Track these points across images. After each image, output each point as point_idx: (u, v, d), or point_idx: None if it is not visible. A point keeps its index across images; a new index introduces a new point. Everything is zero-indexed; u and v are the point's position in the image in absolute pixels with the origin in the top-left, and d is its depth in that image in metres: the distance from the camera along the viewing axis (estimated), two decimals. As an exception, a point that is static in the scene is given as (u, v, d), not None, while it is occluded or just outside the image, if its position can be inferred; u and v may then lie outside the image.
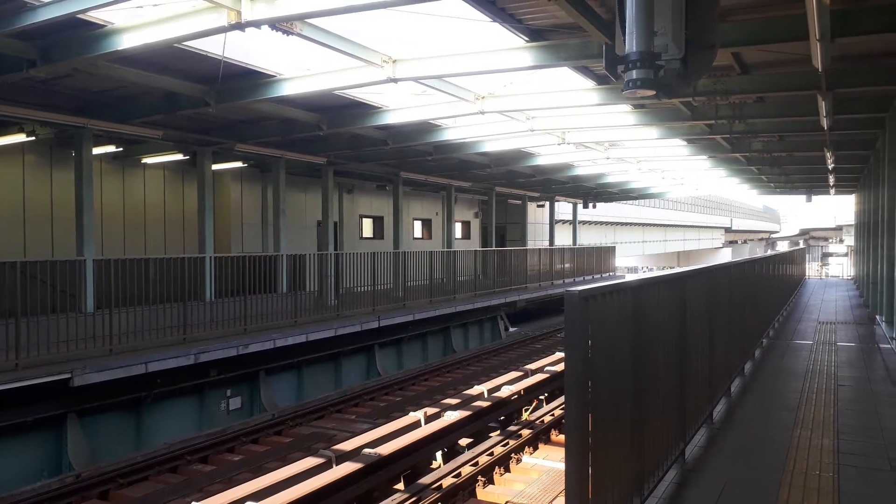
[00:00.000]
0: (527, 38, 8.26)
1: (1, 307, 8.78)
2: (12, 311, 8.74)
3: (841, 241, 61.52)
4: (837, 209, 55.20)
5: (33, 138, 12.20)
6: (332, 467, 7.35)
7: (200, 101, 10.49)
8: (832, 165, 17.65)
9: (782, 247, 65.83)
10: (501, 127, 13.51)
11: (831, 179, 22.19)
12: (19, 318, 8.74)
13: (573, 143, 15.27)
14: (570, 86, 10.72)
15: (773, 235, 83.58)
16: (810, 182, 24.51)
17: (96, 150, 12.67)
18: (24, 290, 8.87)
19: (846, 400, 7.12)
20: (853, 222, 30.61)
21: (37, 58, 8.34)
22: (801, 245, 53.64)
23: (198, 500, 6.49)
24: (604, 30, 6.45)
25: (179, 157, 15.05)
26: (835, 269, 48.39)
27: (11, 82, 9.19)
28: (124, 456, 8.85)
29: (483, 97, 11.04)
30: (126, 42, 7.64)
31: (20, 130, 11.79)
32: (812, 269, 36.78)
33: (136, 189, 16.19)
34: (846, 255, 51.03)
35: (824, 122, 11.09)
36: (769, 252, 42.41)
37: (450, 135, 14.25)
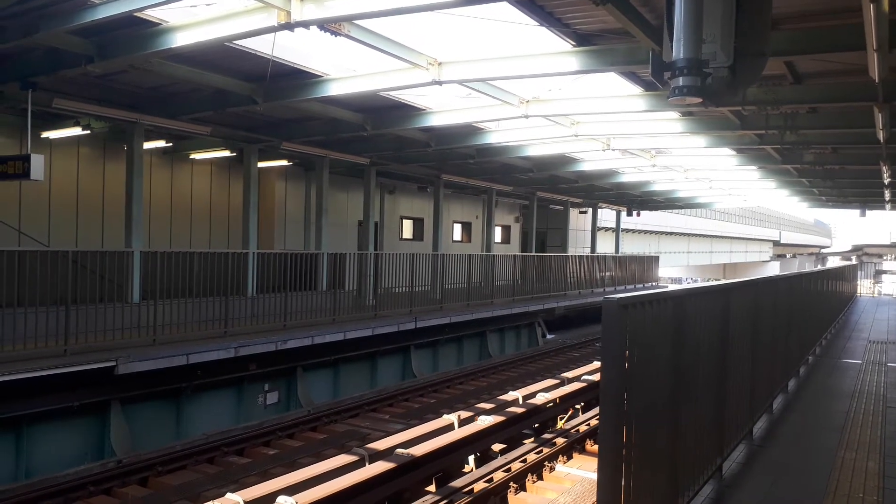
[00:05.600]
0: (574, 43, 8.19)
1: (53, 294, 9.09)
2: (63, 299, 9.04)
3: (896, 258, 59.46)
4: (894, 225, 53.40)
5: (88, 132, 12.57)
6: (364, 465, 7.39)
7: (248, 99, 10.68)
8: (888, 180, 17.03)
9: (833, 262, 63.91)
10: (545, 132, 13.41)
11: (887, 194, 21.40)
12: (69, 305, 9.04)
13: (618, 149, 15.08)
14: (616, 91, 10.59)
15: (824, 250, 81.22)
16: (865, 196, 23.68)
17: (147, 145, 13.02)
18: (74, 278, 9.16)
19: (895, 422, 6.86)
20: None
21: (94, 54, 8.59)
22: (854, 261, 52.00)
23: (233, 492, 6.59)
24: (652, 36, 6.36)
25: (227, 153, 15.35)
26: (888, 287, 46.77)
27: (70, 77, 9.50)
28: (164, 444, 9.06)
29: (528, 101, 10.98)
30: (179, 40, 7.82)
31: (76, 124, 12.16)
32: (864, 287, 35.65)
33: (184, 184, 16.57)
34: (901, 272, 49.27)
35: (880, 135, 10.72)
36: (819, 267, 41.27)
37: (493, 138, 14.22)
